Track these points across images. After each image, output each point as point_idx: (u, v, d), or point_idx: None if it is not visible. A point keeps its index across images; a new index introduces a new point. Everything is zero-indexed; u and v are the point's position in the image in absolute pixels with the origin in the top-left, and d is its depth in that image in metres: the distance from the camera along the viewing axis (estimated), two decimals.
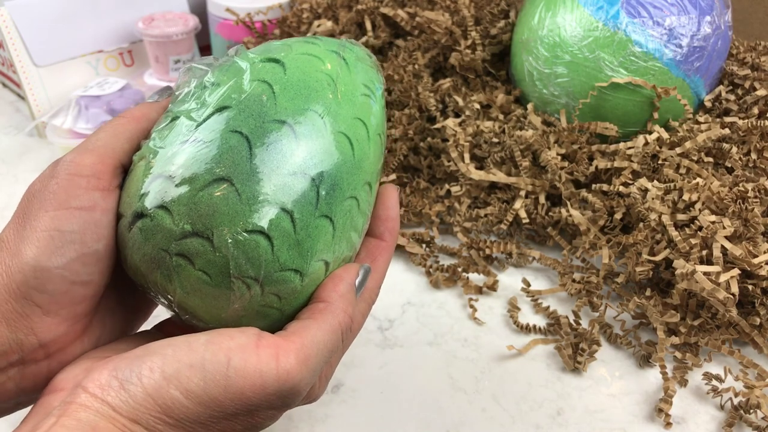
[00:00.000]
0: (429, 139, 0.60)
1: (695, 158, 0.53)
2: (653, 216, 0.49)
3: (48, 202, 0.25)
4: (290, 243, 0.26)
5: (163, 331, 0.31)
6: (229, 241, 0.25)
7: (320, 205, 0.27)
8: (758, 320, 0.45)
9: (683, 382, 0.45)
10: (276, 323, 0.28)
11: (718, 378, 0.44)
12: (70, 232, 0.25)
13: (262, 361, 0.24)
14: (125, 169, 0.28)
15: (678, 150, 0.53)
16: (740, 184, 0.49)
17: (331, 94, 0.29)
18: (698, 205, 0.48)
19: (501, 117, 0.60)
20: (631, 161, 0.54)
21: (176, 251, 0.25)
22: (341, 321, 0.27)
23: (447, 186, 0.59)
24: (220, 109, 0.27)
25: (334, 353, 0.27)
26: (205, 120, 0.27)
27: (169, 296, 0.26)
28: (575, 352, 0.46)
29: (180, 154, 0.26)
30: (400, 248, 0.56)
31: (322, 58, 0.30)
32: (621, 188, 0.52)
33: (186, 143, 0.26)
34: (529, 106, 0.59)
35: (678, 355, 0.46)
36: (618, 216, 0.52)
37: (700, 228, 0.47)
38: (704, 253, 0.46)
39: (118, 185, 0.27)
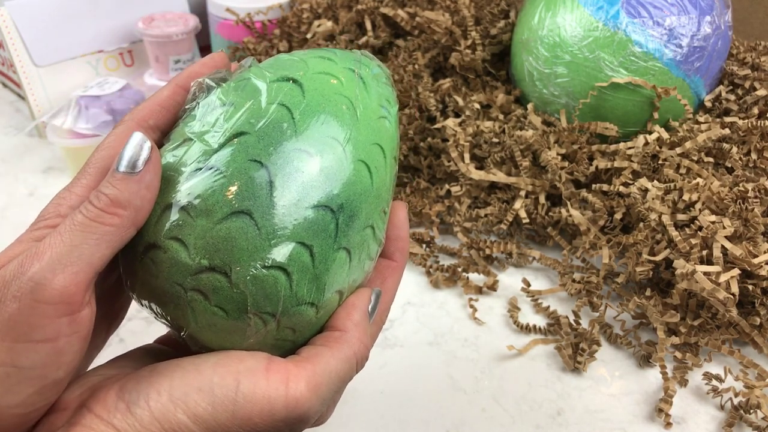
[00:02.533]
0: (429, 139, 0.60)
1: (695, 158, 0.53)
2: (653, 216, 0.49)
3: (5, 330, 0.21)
4: (309, 277, 0.25)
5: (164, 342, 0.30)
6: (248, 277, 0.24)
7: (339, 237, 0.26)
8: (758, 320, 0.45)
9: (683, 382, 0.45)
10: (288, 353, 0.27)
11: (718, 378, 0.44)
12: (29, 369, 0.22)
13: (271, 387, 0.24)
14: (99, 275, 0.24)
15: (678, 150, 0.53)
16: (740, 184, 0.49)
17: (351, 120, 0.27)
18: (698, 205, 0.48)
19: (501, 117, 0.60)
20: (631, 161, 0.54)
21: (192, 286, 0.24)
22: (356, 351, 0.27)
23: (447, 186, 0.59)
24: (237, 135, 0.25)
25: (348, 381, 0.27)
26: (222, 146, 0.25)
27: (180, 326, 0.26)
28: (575, 352, 0.46)
29: (195, 183, 0.25)
30: None
31: (341, 78, 0.29)
32: (621, 188, 0.52)
33: (201, 171, 0.25)
34: (529, 106, 0.59)
35: (678, 355, 0.46)
36: (618, 216, 0.52)
37: (700, 228, 0.47)
38: (704, 253, 0.46)
39: (90, 300, 0.23)
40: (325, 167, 0.26)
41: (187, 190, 0.25)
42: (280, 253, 0.24)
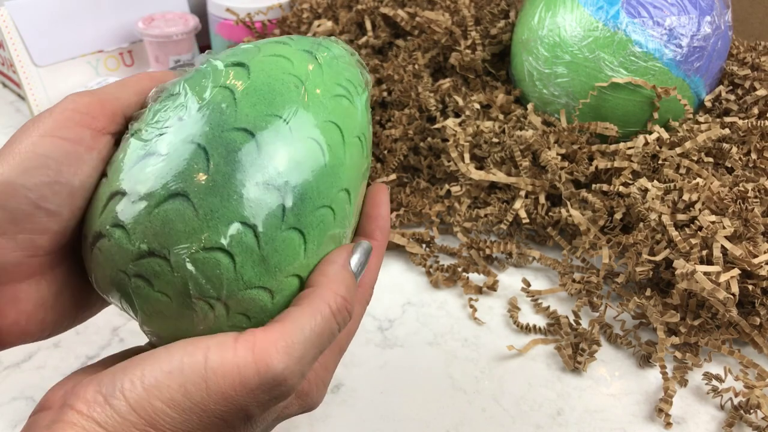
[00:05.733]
0: (429, 139, 0.60)
1: (695, 158, 0.53)
2: (653, 216, 0.49)
3: (35, 128, 0.25)
4: (254, 259, 0.24)
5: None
6: (187, 260, 0.24)
7: (287, 217, 0.25)
8: (758, 320, 0.45)
9: (683, 382, 0.45)
10: None
11: (718, 378, 0.44)
12: (47, 157, 0.24)
13: (239, 356, 0.23)
14: (127, 122, 0.27)
15: (678, 150, 0.53)
16: (740, 184, 0.49)
17: (297, 98, 0.27)
18: (698, 205, 0.48)
19: (501, 117, 0.60)
20: (631, 161, 0.54)
21: (134, 272, 0.24)
22: (330, 302, 0.25)
23: (447, 186, 0.59)
24: (178, 120, 0.25)
25: (329, 339, 0.26)
26: (163, 131, 0.25)
27: (132, 316, 0.26)
28: (575, 352, 0.46)
29: (136, 168, 0.25)
30: (400, 248, 0.56)
31: (291, 59, 0.28)
32: (621, 188, 0.52)
33: (143, 157, 0.25)
34: (529, 106, 0.59)
35: (678, 355, 0.46)
36: (618, 216, 0.52)
37: (700, 228, 0.47)
38: (704, 253, 0.46)
39: (114, 133, 0.26)
40: (267, 145, 0.25)
41: (129, 176, 0.25)
42: (220, 234, 0.24)
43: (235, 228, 0.24)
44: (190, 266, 0.24)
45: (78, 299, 0.29)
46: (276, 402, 0.24)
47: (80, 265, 0.28)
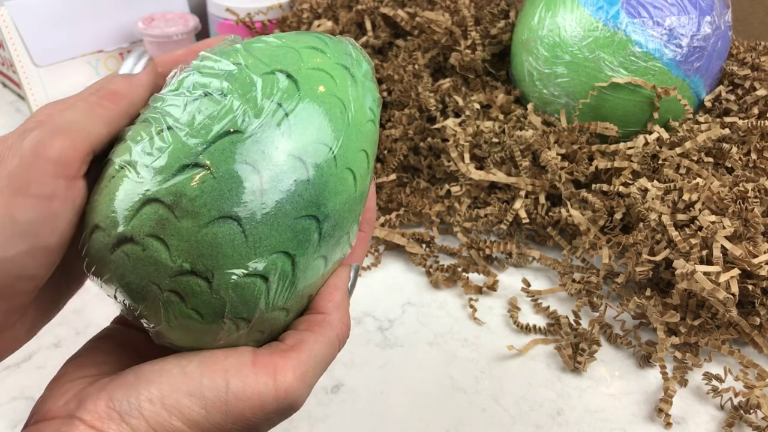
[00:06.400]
0: (429, 139, 0.60)
1: (695, 158, 0.53)
2: (653, 216, 0.49)
3: (6, 184, 0.23)
4: (287, 285, 0.25)
5: (122, 322, 0.30)
6: (230, 284, 0.23)
7: (320, 246, 0.25)
8: (758, 320, 0.45)
9: (683, 382, 0.45)
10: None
11: (718, 378, 0.44)
12: (24, 223, 0.23)
13: (260, 382, 0.24)
14: (96, 156, 0.25)
15: (678, 150, 0.53)
16: (740, 184, 0.49)
17: (342, 125, 0.26)
18: (698, 205, 0.48)
19: (501, 117, 0.60)
20: (631, 161, 0.54)
21: (169, 287, 0.23)
22: (339, 333, 0.27)
23: (447, 186, 0.59)
24: (229, 132, 0.24)
25: (331, 361, 0.27)
26: (212, 143, 0.24)
27: (150, 323, 0.25)
28: (575, 352, 0.46)
29: (181, 180, 0.23)
30: (400, 248, 0.56)
31: (333, 76, 0.27)
32: (621, 188, 0.52)
33: (189, 168, 0.23)
34: (529, 106, 0.59)
35: (678, 355, 0.46)
36: (618, 216, 0.52)
37: (700, 228, 0.47)
38: (704, 253, 0.46)
39: (85, 174, 0.24)
40: (316, 176, 0.25)
41: (172, 186, 0.23)
42: (264, 261, 0.24)
43: (278, 256, 0.24)
44: (230, 290, 0.23)
45: (61, 295, 0.28)
46: (282, 418, 0.26)
47: (50, 283, 0.27)
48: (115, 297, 0.25)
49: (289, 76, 0.26)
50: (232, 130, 0.24)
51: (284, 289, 0.25)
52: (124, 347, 0.28)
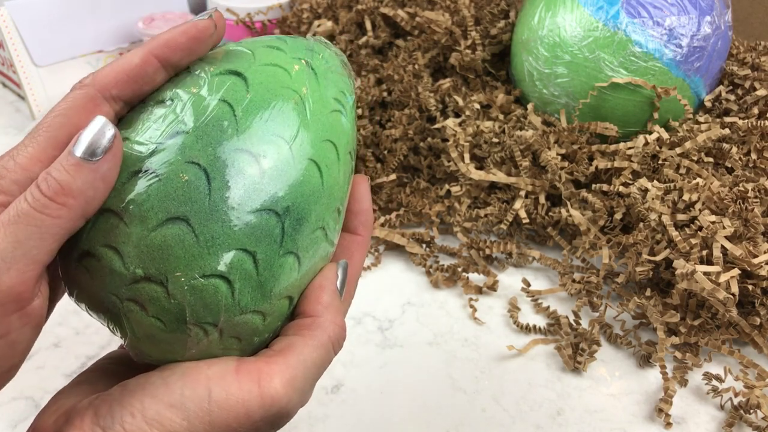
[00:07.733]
0: (429, 139, 0.60)
1: (695, 158, 0.53)
2: (653, 216, 0.49)
3: None
4: (252, 285, 0.24)
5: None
6: (186, 287, 0.23)
7: (285, 242, 0.24)
8: (758, 320, 0.45)
9: (683, 382, 0.45)
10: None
11: (718, 378, 0.44)
12: None
13: (243, 389, 0.23)
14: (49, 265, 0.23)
15: (678, 150, 0.53)
16: (740, 184, 0.49)
17: (299, 116, 0.26)
18: (698, 205, 0.48)
19: (501, 117, 0.60)
20: (631, 161, 0.54)
21: (127, 296, 0.23)
22: (331, 334, 0.26)
23: (447, 186, 0.59)
24: (174, 134, 0.23)
25: (326, 366, 0.26)
26: (158, 147, 0.23)
27: (120, 337, 0.25)
28: (575, 352, 0.46)
29: (130, 187, 0.23)
30: (400, 248, 0.56)
31: (289, 70, 0.27)
32: (621, 188, 0.52)
33: (137, 174, 0.23)
34: (529, 106, 0.59)
35: (678, 355, 0.46)
36: (618, 216, 0.52)
37: (700, 228, 0.47)
38: (704, 253, 0.46)
39: (40, 289, 0.22)
40: (270, 168, 0.24)
41: (120, 194, 0.23)
42: (220, 261, 0.23)
43: (235, 255, 0.23)
44: (188, 293, 0.23)
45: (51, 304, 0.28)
46: (273, 427, 0.24)
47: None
48: (89, 314, 0.25)
49: (237, 74, 0.26)
50: (176, 131, 0.24)
51: (251, 289, 0.24)
52: (123, 370, 0.27)
